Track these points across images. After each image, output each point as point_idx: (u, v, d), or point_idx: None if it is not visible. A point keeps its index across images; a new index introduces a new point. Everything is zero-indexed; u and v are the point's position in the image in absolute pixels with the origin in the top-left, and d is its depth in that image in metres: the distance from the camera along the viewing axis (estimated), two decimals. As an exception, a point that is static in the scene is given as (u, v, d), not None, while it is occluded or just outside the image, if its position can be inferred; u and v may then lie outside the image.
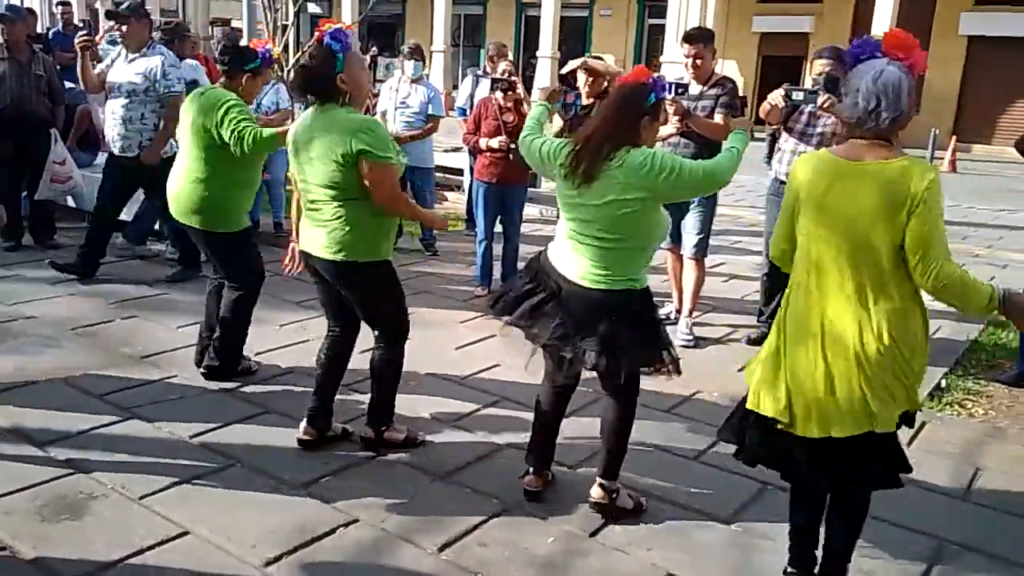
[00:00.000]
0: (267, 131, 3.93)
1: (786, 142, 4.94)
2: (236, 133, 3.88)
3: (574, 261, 3.00)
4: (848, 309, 2.39)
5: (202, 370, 4.25)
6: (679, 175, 2.88)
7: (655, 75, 3.03)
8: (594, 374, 3.09)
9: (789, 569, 2.76)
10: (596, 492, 3.14)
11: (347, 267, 3.33)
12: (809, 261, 2.48)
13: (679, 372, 3.05)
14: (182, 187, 4.11)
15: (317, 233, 3.33)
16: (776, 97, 4.68)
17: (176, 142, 4.95)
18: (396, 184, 3.31)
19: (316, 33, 3.30)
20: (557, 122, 5.24)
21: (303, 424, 3.58)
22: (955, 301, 2.39)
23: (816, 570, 2.74)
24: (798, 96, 4.59)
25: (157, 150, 5.65)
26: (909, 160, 2.35)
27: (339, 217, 3.26)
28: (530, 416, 3.36)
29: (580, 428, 3.54)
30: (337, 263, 3.32)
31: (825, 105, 4.49)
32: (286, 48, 8.95)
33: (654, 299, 3.13)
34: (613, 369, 2.94)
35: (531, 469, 3.28)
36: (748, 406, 2.61)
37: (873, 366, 2.38)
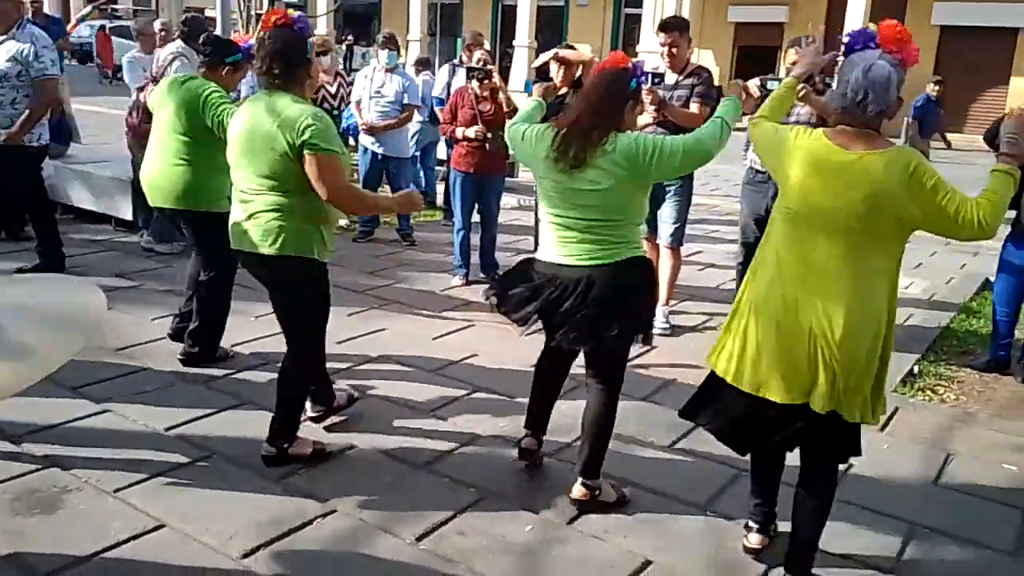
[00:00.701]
0: None
1: (760, 131, 4.96)
2: (216, 118, 3.92)
3: (566, 245, 3.02)
4: (822, 291, 2.48)
5: (179, 356, 4.25)
6: (662, 152, 2.92)
7: (633, 60, 3.08)
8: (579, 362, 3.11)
9: (750, 523, 2.92)
10: (578, 491, 3.14)
11: (277, 261, 3.18)
12: (788, 239, 2.55)
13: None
14: (160, 170, 4.12)
15: (249, 226, 3.20)
16: (752, 87, 4.70)
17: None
18: (342, 177, 3.14)
19: (271, 18, 3.17)
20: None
21: (307, 403, 3.59)
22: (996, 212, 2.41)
23: (785, 559, 2.79)
24: (774, 86, 4.60)
25: (21, 132, 5.30)
26: (893, 152, 2.44)
27: (273, 208, 3.13)
28: (507, 405, 3.38)
29: (559, 415, 3.55)
30: (267, 257, 3.18)
31: (800, 95, 4.51)
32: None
33: None
34: (617, 333, 2.99)
35: (528, 431, 3.37)
36: (730, 380, 2.69)
37: (842, 348, 2.46)
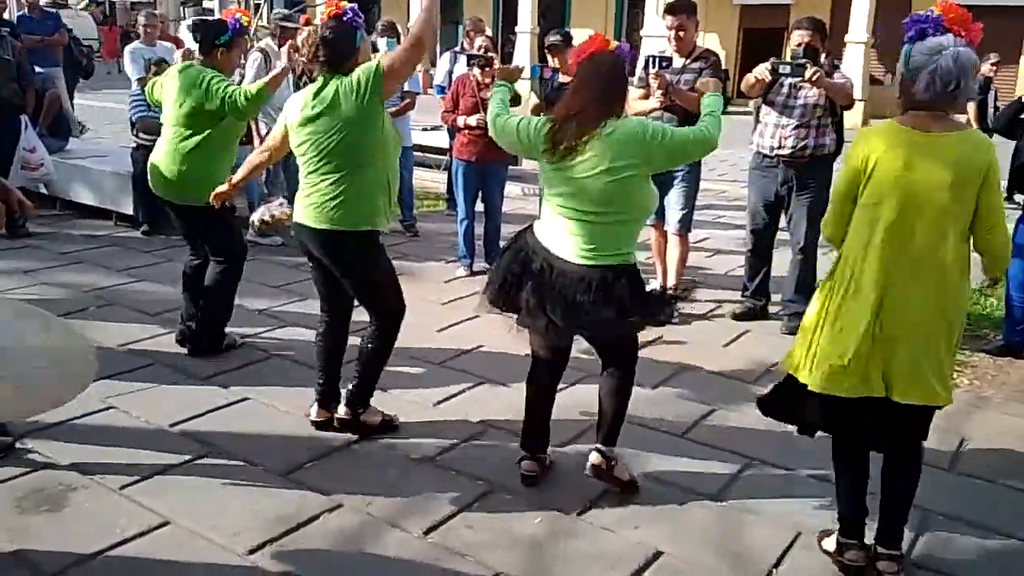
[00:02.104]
0: (254, 86, 4.01)
1: (768, 115, 4.88)
2: (227, 99, 3.93)
3: (564, 239, 2.97)
4: (922, 280, 2.49)
5: (187, 347, 4.26)
6: (671, 139, 2.91)
7: (617, 43, 3.11)
8: (584, 348, 3.05)
9: (844, 539, 2.76)
10: (595, 457, 3.12)
11: (338, 237, 3.31)
12: (881, 231, 2.50)
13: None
14: (164, 161, 4.14)
15: (313, 207, 3.32)
16: (762, 71, 4.64)
17: None
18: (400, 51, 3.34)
19: (329, 9, 3.39)
20: (533, 99, 5.18)
21: (314, 407, 3.58)
22: (1004, 256, 2.66)
23: (874, 536, 2.77)
24: (785, 69, 4.54)
25: None
26: (975, 134, 2.53)
27: (341, 187, 3.28)
28: (513, 396, 3.34)
29: (567, 405, 3.51)
30: (330, 232, 3.30)
31: (814, 78, 4.44)
32: (259, 28, 8.77)
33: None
34: (613, 336, 3.00)
35: (527, 454, 3.24)
36: (818, 390, 2.60)
37: (943, 336, 2.53)
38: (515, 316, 3.11)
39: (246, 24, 4.18)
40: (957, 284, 2.53)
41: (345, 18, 3.32)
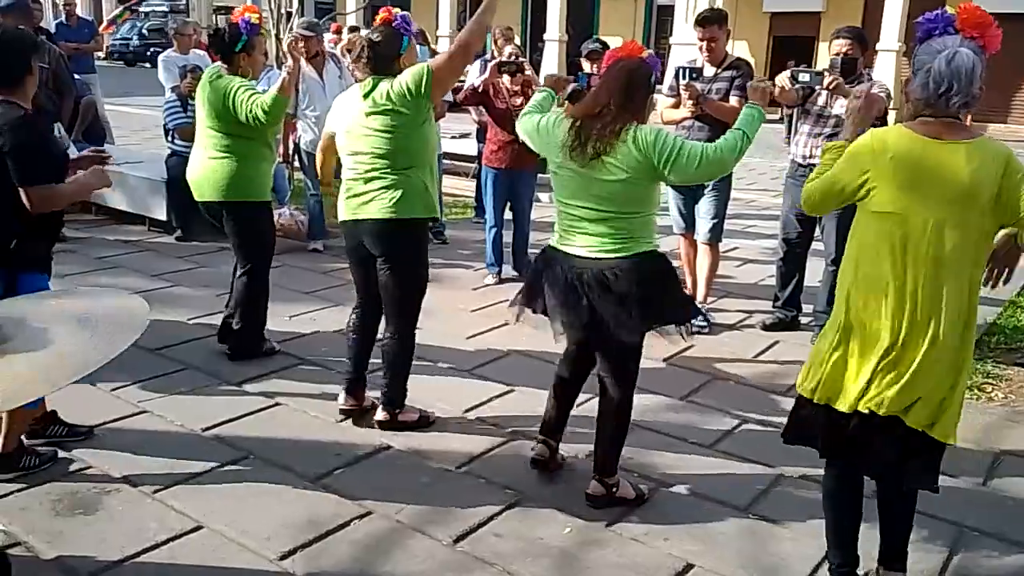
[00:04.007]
0: (268, 94, 4.00)
1: (803, 124, 4.86)
2: (249, 111, 3.99)
3: (579, 235, 2.99)
4: (939, 292, 2.33)
5: (227, 350, 4.34)
6: (681, 155, 2.87)
7: (649, 53, 3.11)
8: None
9: (837, 566, 2.65)
10: (594, 487, 3.12)
11: (396, 224, 3.43)
12: (890, 242, 2.35)
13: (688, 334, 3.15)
14: (204, 164, 4.23)
15: (373, 202, 3.43)
16: (783, 79, 4.61)
17: None
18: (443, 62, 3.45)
19: (382, 15, 3.52)
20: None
21: (342, 395, 3.73)
22: None
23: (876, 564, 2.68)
24: (804, 78, 4.50)
25: None
26: (986, 140, 2.32)
27: (399, 181, 3.40)
28: (543, 404, 3.33)
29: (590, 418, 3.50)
30: (389, 221, 3.42)
31: (832, 86, 4.40)
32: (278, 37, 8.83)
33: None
34: (615, 345, 2.98)
35: (541, 437, 3.31)
36: (843, 408, 2.46)
37: (953, 354, 2.35)
38: (544, 316, 3.15)
39: (257, 21, 4.18)
40: (972, 299, 2.36)
41: (395, 24, 3.46)
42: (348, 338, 3.78)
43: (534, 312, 3.19)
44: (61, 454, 3.33)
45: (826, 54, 4.81)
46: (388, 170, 3.40)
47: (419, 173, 3.44)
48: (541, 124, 3.12)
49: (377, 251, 3.51)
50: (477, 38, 3.42)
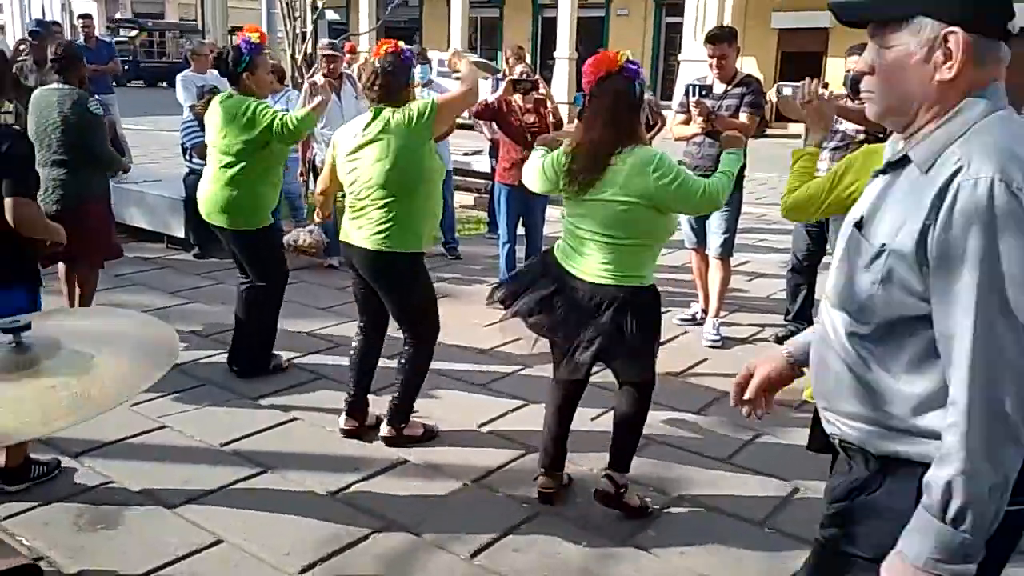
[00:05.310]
0: (302, 110, 4.19)
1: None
2: (274, 125, 4.04)
3: (580, 257, 3.02)
4: None
5: (235, 368, 4.36)
6: (678, 187, 2.90)
7: (625, 59, 2.97)
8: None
9: None
10: (604, 483, 3.14)
11: (386, 258, 3.48)
12: None
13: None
14: (212, 188, 4.26)
15: (363, 229, 3.48)
16: (771, 95, 4.66)
17: None
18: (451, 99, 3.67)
19: (382, 47, 3.55)
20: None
21: (343, 417, 3.75)
22: None
23: None
24: (787, 92, 4.53)
25: None
26: None
27: (391, 214, 3.43)
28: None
29: (611, 428, 3.51)
30: (379, 253, 3.46)
31: (809, 96, 4.39)
32: (305, 57, 8.93)
33: (672, 300, 3.13)
34: (622, 365, 3.02)
35: (543, 470, 3.28)
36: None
37: None
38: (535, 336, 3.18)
39: (259, 40, 4.24)
40: None
41: (403, 56, 3.52)
42: (351, 360, 3.81)
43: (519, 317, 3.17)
44: (65, 462, 3.37)
45: (834, 70, 4.84)
46: (381, 199, 3.43)
47: (415, 204, 3.47)
48: (546, 164, 3.15)
49: (368, 278, 3.60)
50: (474, 91, 3.64)
